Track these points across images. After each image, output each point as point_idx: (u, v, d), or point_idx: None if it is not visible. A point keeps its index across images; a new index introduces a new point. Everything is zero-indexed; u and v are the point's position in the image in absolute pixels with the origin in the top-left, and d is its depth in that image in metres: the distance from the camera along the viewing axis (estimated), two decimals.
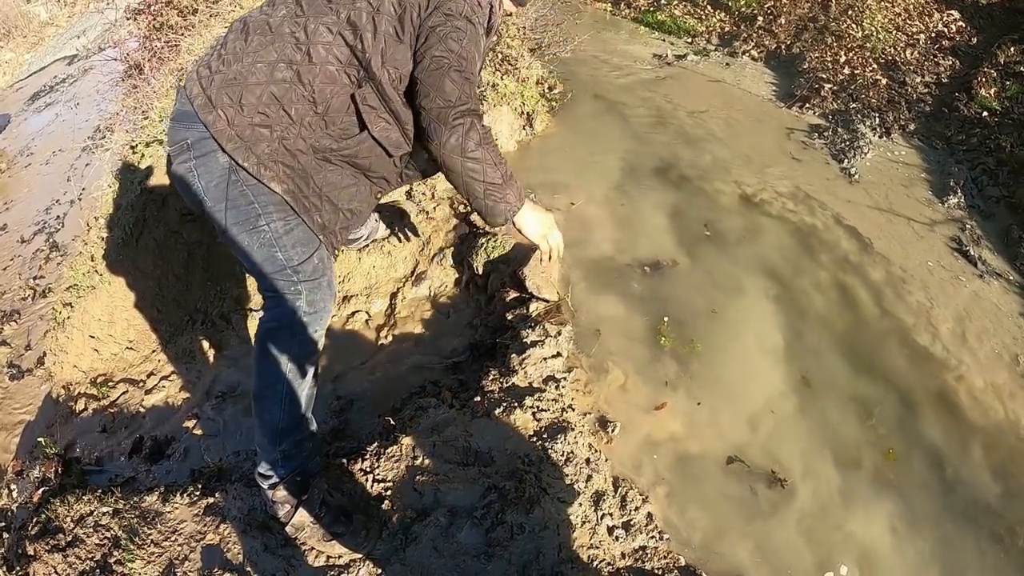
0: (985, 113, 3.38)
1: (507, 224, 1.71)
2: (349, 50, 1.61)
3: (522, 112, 3.16)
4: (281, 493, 1.69)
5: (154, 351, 2.79)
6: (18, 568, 1.68)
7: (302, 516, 1.69)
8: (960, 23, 3.91)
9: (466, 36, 1.60)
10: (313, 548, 1.72)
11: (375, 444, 1.94)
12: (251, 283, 2.74)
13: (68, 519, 1.82)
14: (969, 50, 3.79)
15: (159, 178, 2.81)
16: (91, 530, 1.78)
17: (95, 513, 1.83)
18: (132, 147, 3.10)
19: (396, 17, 1.62)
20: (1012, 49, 3.61)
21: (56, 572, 1.67)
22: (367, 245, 2.63)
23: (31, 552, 1.71)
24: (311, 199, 1.70)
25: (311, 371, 1.73)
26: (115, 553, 1.73)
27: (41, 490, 2.13)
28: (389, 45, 1.61)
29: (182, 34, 4.03)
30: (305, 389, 1.72)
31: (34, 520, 1.83)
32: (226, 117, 1.57)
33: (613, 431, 2.01)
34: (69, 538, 1.76)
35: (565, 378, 2.07)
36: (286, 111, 1.60)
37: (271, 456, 1.69)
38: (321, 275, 1.73)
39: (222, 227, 1.66)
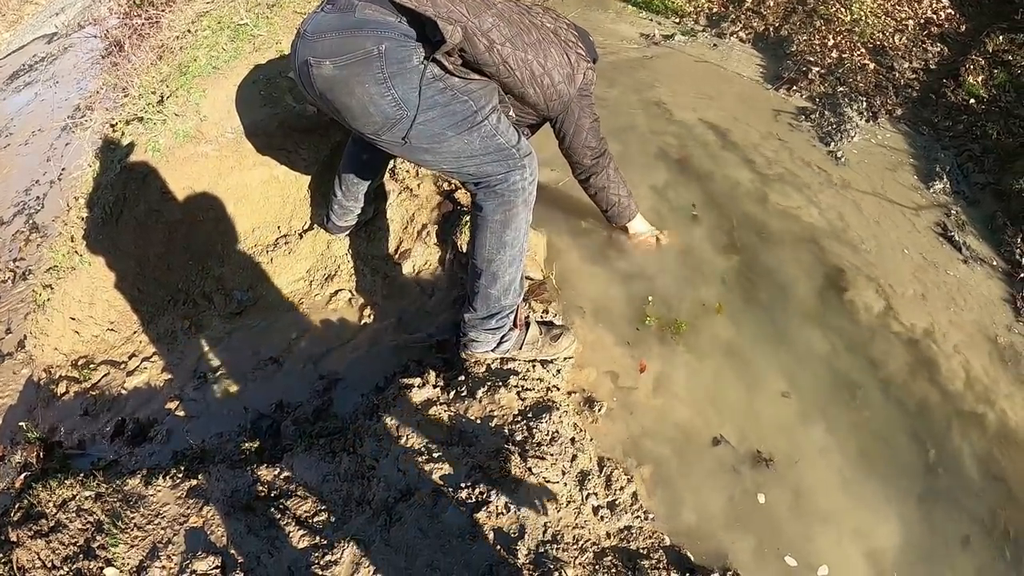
0: (972, 100, 3.38)
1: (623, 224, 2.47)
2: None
3: None
4: (514, 332, 2.04)
5: (135, 332, 2.75)
6: (1, 555, 1.66)
7: (534, 329, 2.09)
8: (949, 10, 3.90)
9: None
10: (540, 353, 2.09)
11: (358, 423, 1.93)
12: (232, 260, 2.71)
13: (51, 504, 1.80)
14: (957, 37, 3.78)
15: (139, 155, 2.76)
16: (74, 515, 1.77)
17: (77, 497, 1.82)
18: (112, 125, 3.04)
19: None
20: (1000, 37, 3.60)
21: (39, 558, 1.65)
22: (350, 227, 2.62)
23: (14, 538, 1.69)
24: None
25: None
26: (98, 537, 1.72)
27: (23, 475, 2.12)
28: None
29: (163, 10, 3.96)
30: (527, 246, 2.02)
31: (16, 506, 1.81)
32: (460, 34, 1.63)
33: (599, 410, 2.01)
34: (52, 523, 1.75)
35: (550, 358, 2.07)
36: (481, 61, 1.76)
37: (510, 307, 2.00)
38: (530, 147, 1.90)
39: (430, 135, 1.73)
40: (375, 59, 1.60)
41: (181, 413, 2.39)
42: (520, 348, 2.06)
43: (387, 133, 1.73)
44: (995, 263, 2.70)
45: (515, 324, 2.04)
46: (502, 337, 2.03)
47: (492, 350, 2.04)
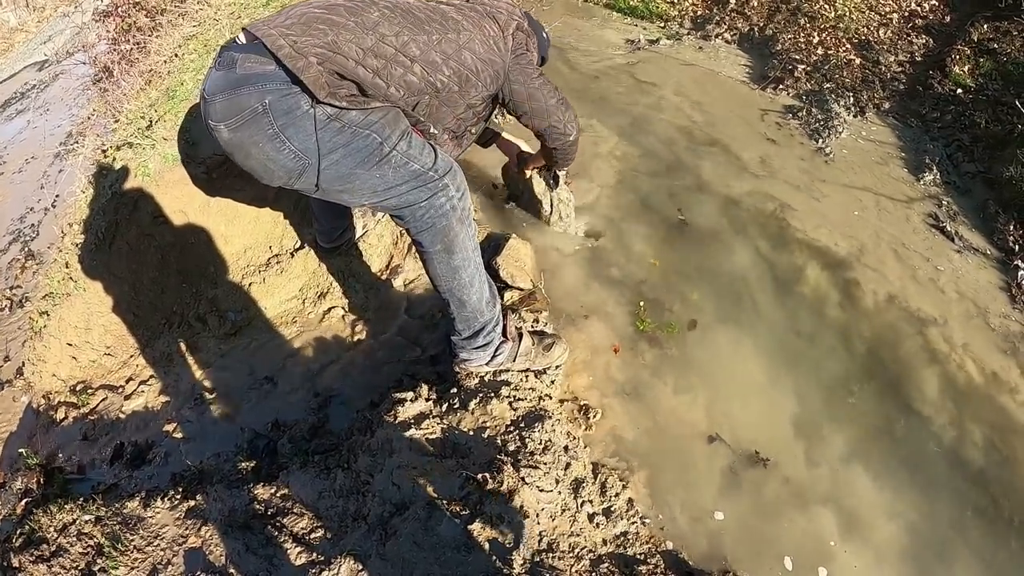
0: (959, 90, 3.39)
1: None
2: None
3: None
4: (507, 344, 2.03)
5: (132, 356, 2.76)
6: None
7: (527, 340, 2.08)
8: (933, 2, 3.91)
9: None
10: (534, 363, 2.09)
11: (353, 439, 1.94)
12: (225, 281, 2.73)
13: (51, 529, 1.81)
14: (942, 28, 3.79)
15: (130, 180, 2.78)
16: (74, 539, 1.78)
17: (78, 522, 1.82)
18: (103, 151, 3.07)
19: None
20: (985, 26, 3.61)
21: None
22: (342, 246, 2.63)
23: (16, 564, 1.71)
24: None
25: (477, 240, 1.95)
26: (99, 561, 1.72)
27: (24, 501, 2.12)
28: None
29: (150, 35, 3.99)
30: (480, 256, 1.95)
31: (18, 532, 1.82)
32: (316, 64, 1.54)
33: (593, 418, 2.01)
34: (53, 548, 1.76)
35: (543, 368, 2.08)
36: (371, 86, 1.62)
37: (492, 319, 1.97)
38: (450, 162, 1.82)
39: (339, 176, 1.66)
40: (262, 116, 1.54)
41: (179, 435, 2.39)
42: (514, 360, 2.06)
43: (297, 183, 1.68)
44: (988, 251, 2.71)
45: (507, 336, 2.03)
46: (495, 351, 2.02)
47: (486, 364, 2.04)
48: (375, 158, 1.67)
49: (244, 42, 1.60)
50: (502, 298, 2.25)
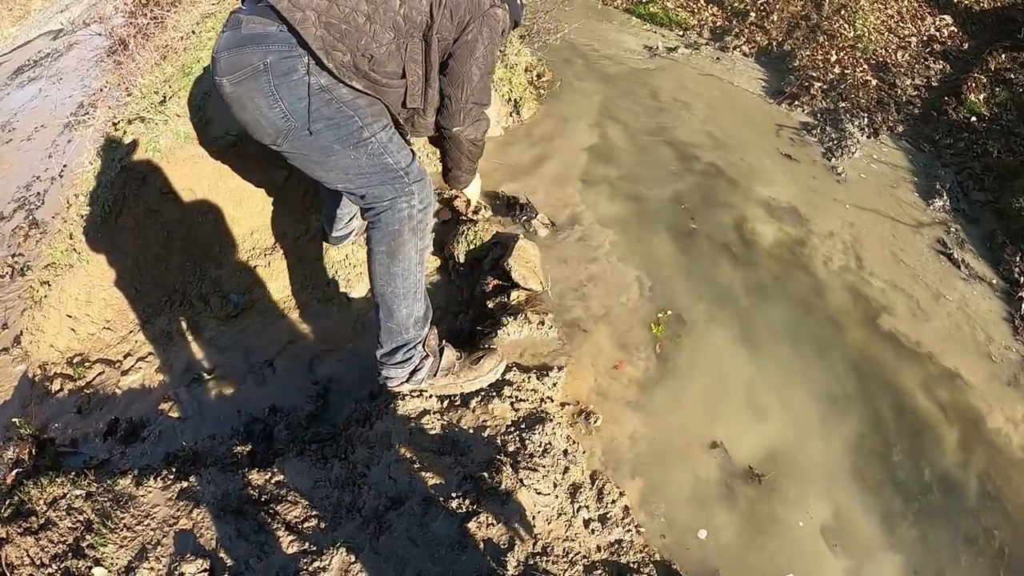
0: (973, 118, 3.39)
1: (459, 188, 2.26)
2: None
3: (509, 99, 3.15)
4: (428, 359, 1.96)
5: (131, 331, 2.75)
6: None
7: (449, 355, 2.01)
8: (952, 28, 3.92)
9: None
10: (459, 379, 1.99)
11: (351, 430, 1.93)
12: (230, 263, 2.71)
13: (41, 502, 1.79)
14: (960, 55, 3.80)
15: (140, 155, 2.77)
16: (64, 513, 1.76)
17: (68, 496, 1.80)
18: (114, 124, 3.05)
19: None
20: (1003, 56, 3.62)
21: (28, 555, 1.64)
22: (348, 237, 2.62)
23: (3, 535, 1.68)
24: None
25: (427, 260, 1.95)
26: (87, 537, 1.71)
27: (15, 472, 2.10)
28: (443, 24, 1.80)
29: (168, 10, 3.97)
30: (424, 276, 1.94)
31: (7, 502, 1.79)
32: (314, 19, 1.60)
33: (594, 423, 2.01)
34: (42, 521, 1.73)
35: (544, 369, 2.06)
36: (361, 33, 1.67)
37: (416, 339, 1.93)
38: (423, 172, 1.86)
39: (319, 147, 1.73)
40: (262, 73, 1.63)
41: (174, 414, 2.38)
42: (435, 375, 1.98)
43: (284, 143, 1.74)
44: (994, 281, 2.71)
45: (426, 351, 1.97)
46: (413, 368, 1.95)
47: (406, 381, 1.96)
48: (353, 139, 1.73)
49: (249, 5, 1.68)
50: (508, 299, 2.24)
